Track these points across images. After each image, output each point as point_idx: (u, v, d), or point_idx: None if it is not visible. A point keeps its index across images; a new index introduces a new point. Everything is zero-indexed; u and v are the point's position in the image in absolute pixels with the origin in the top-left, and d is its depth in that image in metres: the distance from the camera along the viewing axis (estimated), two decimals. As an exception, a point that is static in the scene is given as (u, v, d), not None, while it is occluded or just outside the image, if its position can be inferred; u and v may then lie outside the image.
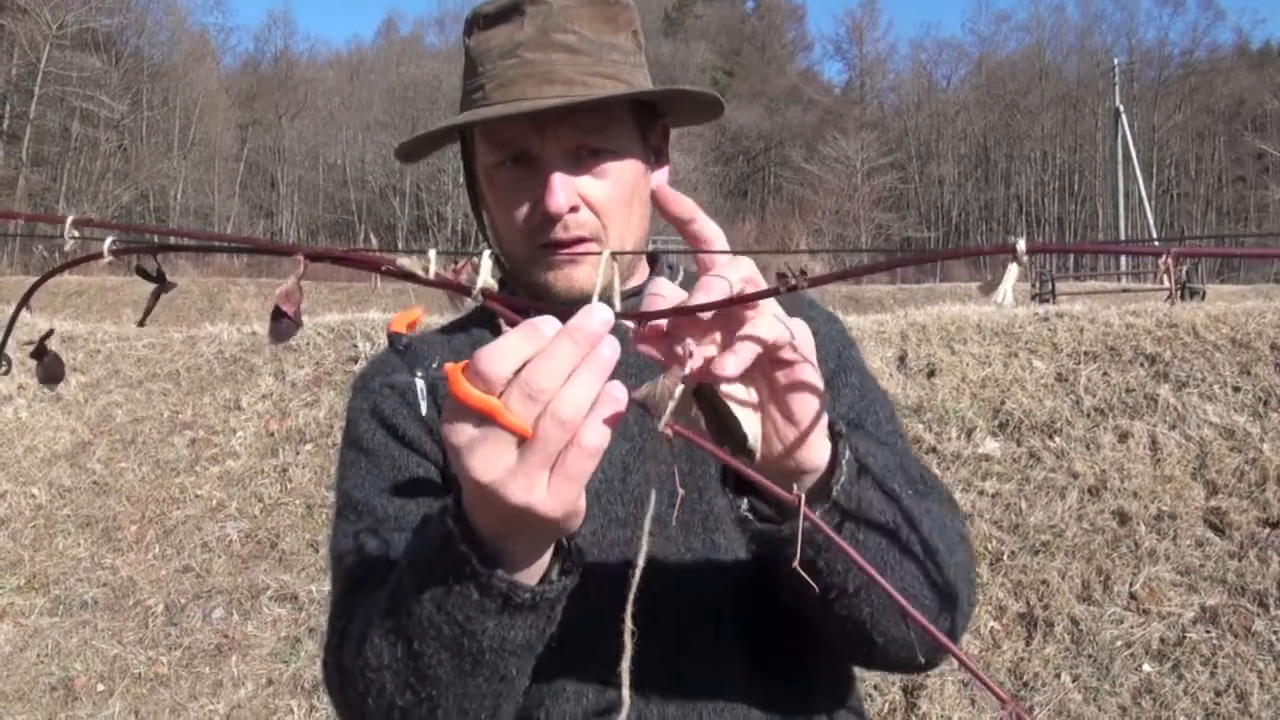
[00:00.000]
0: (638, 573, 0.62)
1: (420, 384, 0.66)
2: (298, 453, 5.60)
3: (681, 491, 0.67)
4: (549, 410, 0.60)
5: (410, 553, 0.79)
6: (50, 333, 0.76)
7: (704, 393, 0.66)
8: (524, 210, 1.00)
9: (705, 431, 0.68)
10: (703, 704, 0.95)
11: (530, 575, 0.73)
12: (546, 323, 0.62)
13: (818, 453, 0.73)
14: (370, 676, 0.82)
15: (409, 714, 0.82)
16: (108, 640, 4.51)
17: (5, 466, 5.82)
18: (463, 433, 0.62)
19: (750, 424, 0.70)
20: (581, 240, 1.00)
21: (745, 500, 0.77)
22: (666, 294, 0.66)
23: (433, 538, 0.74)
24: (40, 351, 0.74)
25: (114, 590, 4.86)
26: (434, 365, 0.66)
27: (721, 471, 0.79)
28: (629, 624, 0.62)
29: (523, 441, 0.61)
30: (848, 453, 0.75)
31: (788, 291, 0.62)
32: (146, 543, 5.16)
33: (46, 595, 4.86)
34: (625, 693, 0.62)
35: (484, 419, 0.61)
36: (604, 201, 1.01)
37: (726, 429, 0.67)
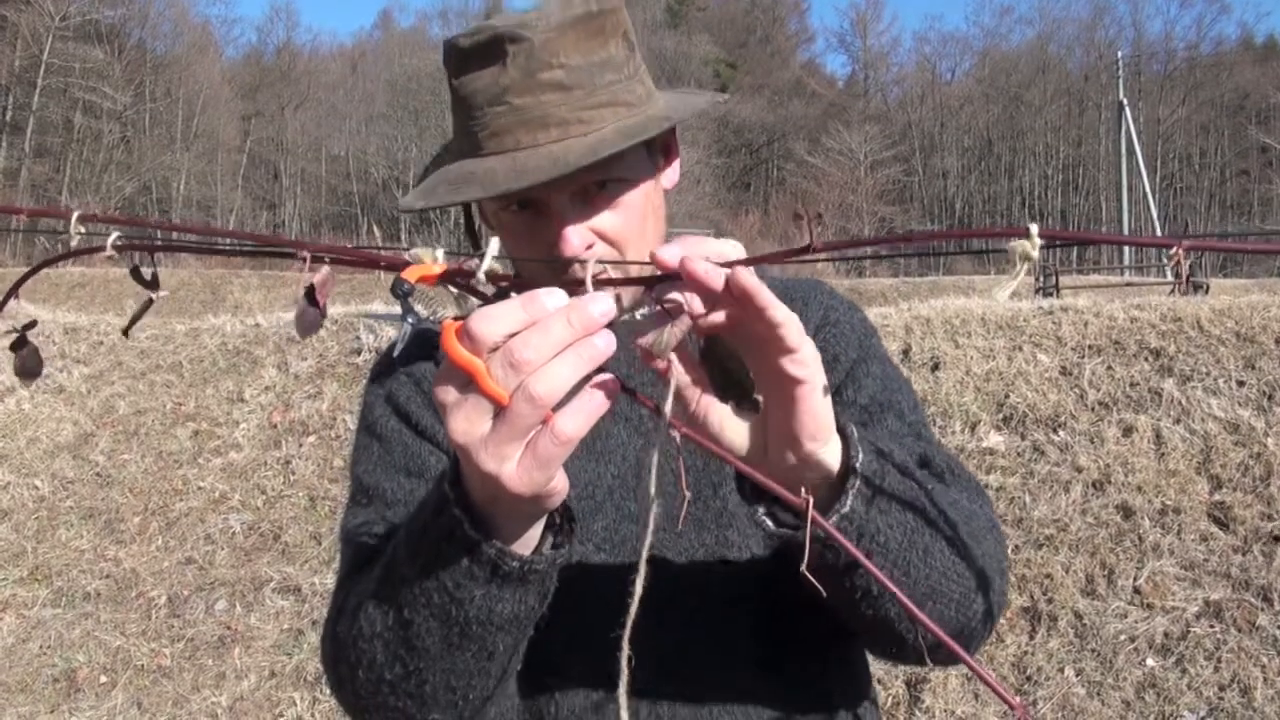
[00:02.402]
0: (641, 568, 0.61)
1: (407, 328, 0.66)
2: (300, 445, 5.60)
3: (688, 493, 0.66)
4: (523, 384, 0.59)
5: (408, 518, 0.79)
6: (32, 324, 0.74)
7: (711, 349, 0.66)
8: (538, 251, 0.97)
9: (710, 436, 0.67)
10: (714, 700, 0.95)
11: (522, 547, 0.73)
12: (550, 295, 0.61)
13: (818, 468, 0.71)
14: (363, 647, 0.82)
15: (397, 688, 0.82)
16: (110, 632, 4.52)
17: (8, 458, 5.82)
18: (449, 392, 0.62)
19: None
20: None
21: (761, 506, 0.76)
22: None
23: (429, 502, 0.75)
24: (20, 343, 0.73)
25: (117, 582, 4.86)
26: (432, 316, 0.67)
27: (737, 477, 0.77)
28: (627, 629, 0.61)
29: (500, 410, 0.60)
30: (860, 456, 0.73)
31: (803, 257, 0.61)
32: (149, 534, 5.17)
33: (49, 587, 4.87)
34: (622, 688, 0.61)
35: (468, 381, 0.61)
36: (619, 231, 0.97)
37: (732, 381, 0.66)
